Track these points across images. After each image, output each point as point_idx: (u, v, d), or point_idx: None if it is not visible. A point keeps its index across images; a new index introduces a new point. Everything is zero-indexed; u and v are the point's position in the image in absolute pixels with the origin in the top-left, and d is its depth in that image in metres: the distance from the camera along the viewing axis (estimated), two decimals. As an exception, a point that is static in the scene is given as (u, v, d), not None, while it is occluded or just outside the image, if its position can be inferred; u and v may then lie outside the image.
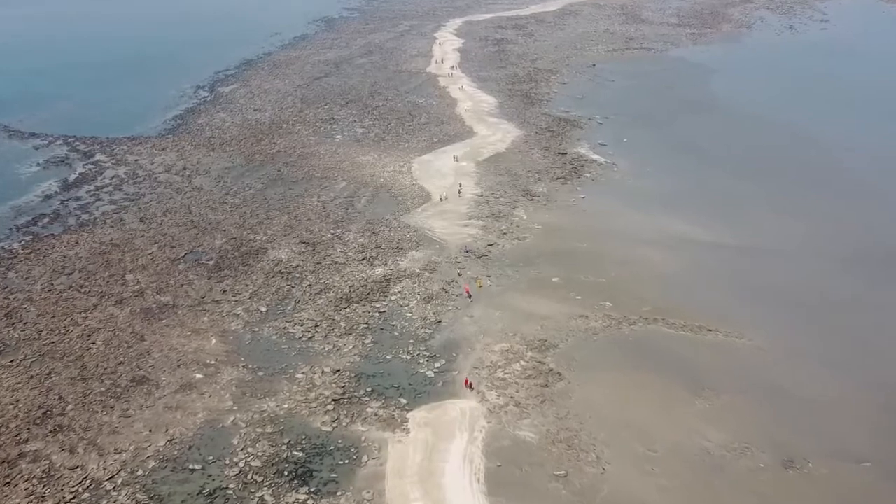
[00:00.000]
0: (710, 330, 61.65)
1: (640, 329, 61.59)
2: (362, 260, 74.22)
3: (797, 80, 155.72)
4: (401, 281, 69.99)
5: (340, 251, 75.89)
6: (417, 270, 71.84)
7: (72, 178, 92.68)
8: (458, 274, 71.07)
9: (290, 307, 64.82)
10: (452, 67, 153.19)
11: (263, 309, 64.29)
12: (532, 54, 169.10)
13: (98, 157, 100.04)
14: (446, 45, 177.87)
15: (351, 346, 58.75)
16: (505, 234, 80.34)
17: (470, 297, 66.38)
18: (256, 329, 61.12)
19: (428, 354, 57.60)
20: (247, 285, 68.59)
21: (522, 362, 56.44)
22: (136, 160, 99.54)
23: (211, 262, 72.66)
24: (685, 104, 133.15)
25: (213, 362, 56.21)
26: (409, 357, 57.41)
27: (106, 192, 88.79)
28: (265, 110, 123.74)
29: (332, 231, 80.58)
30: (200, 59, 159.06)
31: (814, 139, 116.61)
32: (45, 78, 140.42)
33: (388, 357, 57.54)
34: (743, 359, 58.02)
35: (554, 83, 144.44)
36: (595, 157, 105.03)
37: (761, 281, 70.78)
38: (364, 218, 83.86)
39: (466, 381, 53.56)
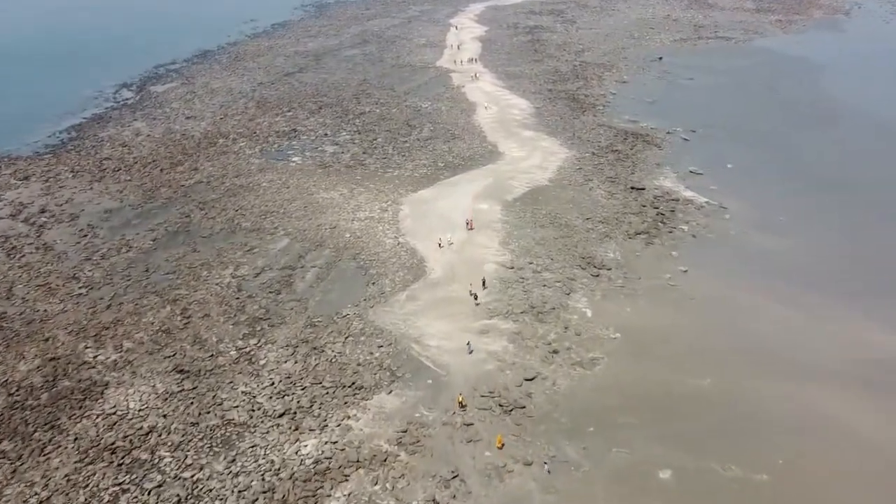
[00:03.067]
0: None
1: None
2: (281, 416, 39.46)
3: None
4: (347, 478, 35.19)
5: (244, 393, 41.23)
6: (384, 448, 36.98)
7: None
8: (472, 459, 36.07)
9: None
10: (471, 60, 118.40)
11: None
12: (576, 45, 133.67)
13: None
14: (464, 33, 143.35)
15: None
16: (556, 352, 45.29)
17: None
18: None
19: None
20: (31, 484, 34.07)
21: None
22: (-30, 197, 66.05)
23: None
24: (798, 111, 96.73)
25: None
26: None
27: None
28: (201, 118, 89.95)
29: (239, 342, 46.21)
30: (145, 50, 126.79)
31: None
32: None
33: None
34: None
35: (610, 82, 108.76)
36: (689, 194, 69.26)
37: None
38: (304, 313, 49.32)
39: None
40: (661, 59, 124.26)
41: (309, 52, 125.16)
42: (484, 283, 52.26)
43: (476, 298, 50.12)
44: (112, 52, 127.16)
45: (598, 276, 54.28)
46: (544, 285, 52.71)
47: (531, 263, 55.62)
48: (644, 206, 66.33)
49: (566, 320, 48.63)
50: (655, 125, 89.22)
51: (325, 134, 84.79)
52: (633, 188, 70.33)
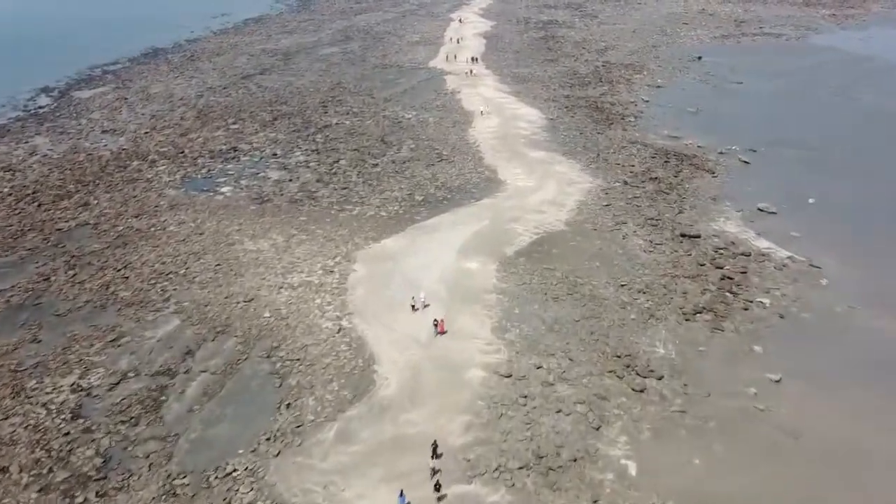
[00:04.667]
0: None
1: None
2: None
3: None
4: None
5: None
6: None
7: None
8: None
9: None
10: (473, 60, 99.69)
11: None
12: (598, 42, 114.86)
13: None
14: (466, 29, 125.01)
15: None
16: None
17: None
18: None
19: None
20: None
21: None
22: None
23: None
24: (890, 124, 77.10)
25: None
26: None
27: None
28: (122, 132, 71.98)
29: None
30: (87, 47, 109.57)
31: None
32: None
33: None
34: None
35: (641, 86, 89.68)
36: (763, 245, 50.02)
37: None
38: (164, 468, 30.71)
39: None
40: (700, 58, 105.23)
41: (279, 51, 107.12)
42: (465, 403, 33.29)
43: (438, 455, 31.05)
44: (47, 49, 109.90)
45: (642, 390, 35.20)
46: (559, 410, 33.71)
47: (540, 368, 36.60)
48: (703, 265, 47.13)
49: (595, 485, 29.57)
50: (703, 142, 70.02)
51: (274, 154, 66.28)
52: (683, 235, 51.15)
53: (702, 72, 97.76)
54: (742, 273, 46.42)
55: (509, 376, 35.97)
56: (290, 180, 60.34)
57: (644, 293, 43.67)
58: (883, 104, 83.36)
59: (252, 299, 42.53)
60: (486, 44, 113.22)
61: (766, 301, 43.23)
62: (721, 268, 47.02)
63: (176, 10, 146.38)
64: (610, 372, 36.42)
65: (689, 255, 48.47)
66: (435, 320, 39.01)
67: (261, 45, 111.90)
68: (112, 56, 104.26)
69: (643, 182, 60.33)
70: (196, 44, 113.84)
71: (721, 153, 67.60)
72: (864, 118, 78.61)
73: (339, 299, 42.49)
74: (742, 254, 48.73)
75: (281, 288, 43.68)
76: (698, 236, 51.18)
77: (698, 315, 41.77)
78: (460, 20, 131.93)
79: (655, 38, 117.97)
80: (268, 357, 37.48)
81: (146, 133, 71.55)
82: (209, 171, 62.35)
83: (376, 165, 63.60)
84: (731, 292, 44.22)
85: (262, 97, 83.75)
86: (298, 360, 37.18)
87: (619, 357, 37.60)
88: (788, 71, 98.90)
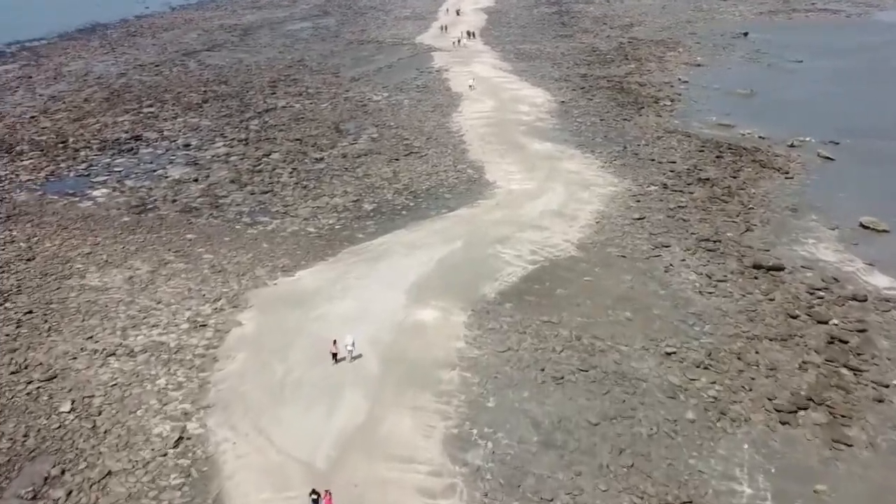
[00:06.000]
0: None
1: None
2: None
3: None
4: None
5: None
6: None
7: None
8: None
9: None
10: (468, 35, 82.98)
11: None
12: (622, 15, 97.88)
13: None
14: (465, 3, 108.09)
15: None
16: None
17: None
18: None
19: None
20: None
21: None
22: None
23: None
24: None
25: None
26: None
27: None
28: (1, 116, 55.78)
29: None
30: (13, 22, 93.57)
31: None
32: None
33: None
34: None
35: (676, 65, 72.50)
36: (881, 283, 33.02)
37: None
38: None
39: None
40: (745, 34, 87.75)
41: (239, 27, 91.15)
42: None
43: None
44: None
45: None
46: None
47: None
48: (794, 317, 30.00)
49: None
50: (766, 132, 52.67)
51: (187, 145, 49.99)
52: (758, 267, 33.96)
53: (750, 49, 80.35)
54: (860, 332, 29.22)
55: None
56: (196, 180, 43.90)
57: (706, 369, 26.65)
58: None
59: (54, 377, 26.00)
60: (487, 19, 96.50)
61: (912, 387, 26.01)
62: (825, 322, 29.85)
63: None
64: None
65: (771, 299, 31.31)
66: (315, 495, 20.87)
67: (221, 20, 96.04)
68: (41, 31, 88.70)
69: (689, 185, 43.19)
70: (146, 19, 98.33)
71: (792, 146, 50.26)
72: (975, 102, 60.85)
73: (197, 379, 25.84)
74: (853, 298, 31.50)
75: (111, 356, 27.13)
76: (780, 268, 33.98)
77: (801, 413, 24.71)
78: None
79: (689, 14, 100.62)
80: (32, 500, 20.84)
81: (32, 118, 55.52)
82: (89, 166, 46.14)
83: (320, 160, 47.07)
84: (850, 368, 27.08)
85: (199, 76, 67.65)
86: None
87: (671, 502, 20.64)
88: (853, 49, 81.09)
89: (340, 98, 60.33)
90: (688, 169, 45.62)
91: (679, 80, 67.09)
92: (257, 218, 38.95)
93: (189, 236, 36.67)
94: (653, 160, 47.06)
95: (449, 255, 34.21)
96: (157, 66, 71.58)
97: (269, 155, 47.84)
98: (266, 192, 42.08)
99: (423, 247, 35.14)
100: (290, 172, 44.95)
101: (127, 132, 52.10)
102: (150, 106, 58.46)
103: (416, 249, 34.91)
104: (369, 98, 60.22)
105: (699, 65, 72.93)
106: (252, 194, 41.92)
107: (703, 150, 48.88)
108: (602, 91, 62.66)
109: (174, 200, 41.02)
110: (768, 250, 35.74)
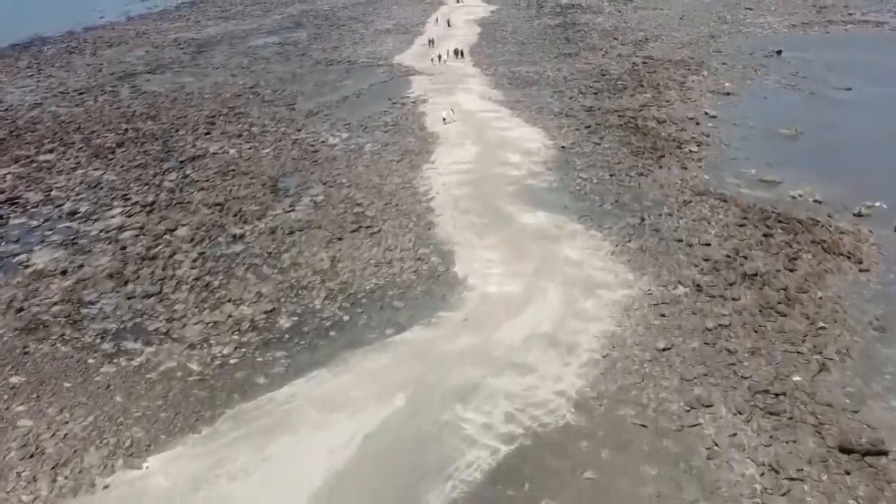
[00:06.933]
0: None
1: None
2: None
3: None
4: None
5: None
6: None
7: None
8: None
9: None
10: (456, 54, 71.63)
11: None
12: (634, 31, 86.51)
13: None
14: (458, 14, 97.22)
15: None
16: None
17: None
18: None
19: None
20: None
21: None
22: None
23: None
24: None
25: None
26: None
27: None
28: None
29: None
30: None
31: None
32: None
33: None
34: None
35: (701, 93, 61.05)
36: None
37: None
38: None
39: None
40: (780, 53, 75.98)
41: (195, 41, 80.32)
42: None
43: None
44: None
45: None
46: None
47: None
48: (925, 571, 18.33)
49: None
50: (821, 193, 41.06)
51: (74, 212, 39.01)
52: (847, 451, 22.38)
53: (786, 72, 68.66)
54: None
55: None
56: (64, 273, 32.79)
57: None
58: None
59: None
60: (480, 33, 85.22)
61: None
62: (975, 579, 18.31)
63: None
64: None
65: (877, 517, 19.85)
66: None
67: (177, 33, 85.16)
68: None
69: (731, 285, 31.75)
70: (94, 31, 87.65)
71: (859, 215, 38.66)
72: None
73: None
74: None
75: None
76: (883, 452, 22.48)
77: None
78: (452, 5, 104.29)
79: (712, 27, 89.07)
80: None
81: None
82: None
83: (239, 239, 35.89)
84: None
85: (126, 108, 56.68)
86: None
87: None
88: (912, 70, 69.36)
89: (288, 141, 49.17)
90: (727, 256, 34.14)
91: (706, 114, 55.61)
92: (124, 343, 27.80)
93: (13, 380, 25.52)
94: (680, 241, 35.62)
95: (383, 429, 22.92)
96: (81, 93, 60.70)
97: (175, 230, 36.70)
98: (151, 296, 30.91)
99: (347, 408, 23.87)
100: (194, 260, 33.80)
101: (3, 192, 41.00)
102: (51, 151, 47.49)
103: (336, 413, 23.66)
104: (323, 141, 49.03)
105: (728, 93, 61.44)
106: (131, 298, 30.77)
107: (744, 224, 37.40)
108: (612, 131, 51.25)
109: (19, 309, 29.88)
110: (857, 411, 24.29)
